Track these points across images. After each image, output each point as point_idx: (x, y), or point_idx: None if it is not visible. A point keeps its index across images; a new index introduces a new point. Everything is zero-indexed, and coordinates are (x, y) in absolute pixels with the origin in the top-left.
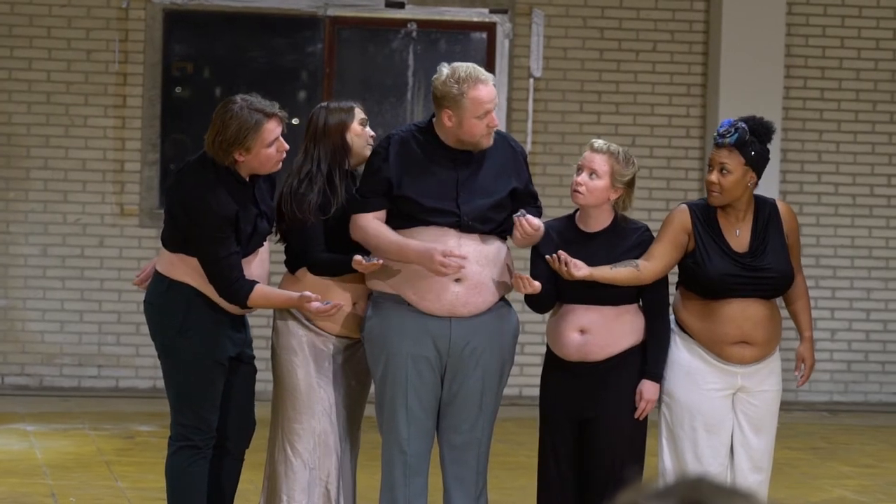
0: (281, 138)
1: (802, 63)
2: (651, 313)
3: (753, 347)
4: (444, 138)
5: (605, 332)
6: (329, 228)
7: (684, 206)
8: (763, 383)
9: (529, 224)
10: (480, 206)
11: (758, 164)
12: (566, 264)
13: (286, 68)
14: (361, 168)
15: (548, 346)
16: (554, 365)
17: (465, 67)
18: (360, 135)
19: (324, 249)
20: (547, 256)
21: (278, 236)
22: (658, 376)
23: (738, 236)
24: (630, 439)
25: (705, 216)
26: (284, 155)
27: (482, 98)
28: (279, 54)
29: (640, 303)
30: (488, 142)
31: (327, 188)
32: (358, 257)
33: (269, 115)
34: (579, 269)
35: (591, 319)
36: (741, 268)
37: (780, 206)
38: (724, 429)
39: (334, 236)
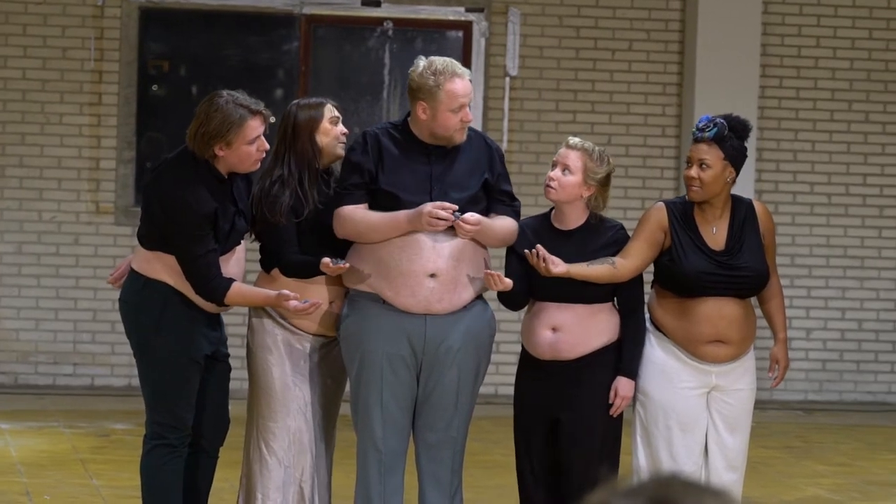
0: (262, 137)
1: (778, 62)
2: (626, 311)
3: (728, 346)
4: (418, 133)
5: (578, 331)
6: (302, 230)
7: (661, 203)
8: (737, 382)
9: (466, 222)
10: (454, 201)
11: (736, 160)
12: (544, 260)
13: (262, 66)
14: (335, 167)
15: (522, 345)
16: (527, 363)
17: (442, 61)
18: (330, 133)
19: (297, 251)
20: (525, 251)
21: (253, 236)
22: (633, 373)
23: (715, 234)
24: (602, 438)
25: (682, 214)
26: (263, 155)
27: (457, 91)
28: (255, 52)
29: (615, 301)
30: (461, 136)
31: (299, 190)
32: (326, 260)
33: (254, 113)
34: (556, 266)
35: (563, 318)
36: (717, 266)
37: (757, 205)
38: (698, 427)
39: (307, 238)
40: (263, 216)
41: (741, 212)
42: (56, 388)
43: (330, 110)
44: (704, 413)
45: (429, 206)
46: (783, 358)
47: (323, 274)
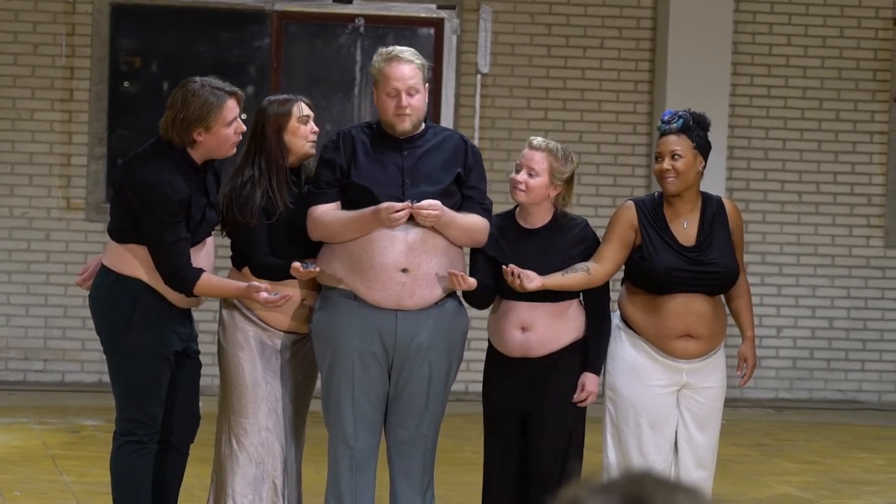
0: (239, 119)
1: (749, 60)
2: (592, 307)
3: (698, 341)
4: (384, 127)
5: (546, 330)
6: (273, 231)
7: (630, 202)
8: (707, 379)
9: (422, 207)
10: (426, 193)
11: (704, 150)
12: (518, 277)
13: (234, 63)
14: (309, 164)
15: (489, 342)
16: (495, 360)
17: (398, 48)
18: (298, 132)
19: (267, 252)
20: (504, 267)
21: (224, 233)
22: (598, 368)
23: (686, 229)
24: (569, 434)
25: (652, 211)
26: (240, 138)
27: (389, 74)
28: (226, 49)
29: (582, 298)
30: (402, 125)
31: (269, 191)
32: (296, 264)
33: (230, 94)
34: (531, 281)
35: (532, 317)
36: (687, 262)
37: (727, 202)
38: (668, 425)
39: (278, 239)
40: (234, 217)
41: (711, 208)
42: (26, 384)
43: (300, 108)
44: (674, 411)
45: (384, 205)
46: (751, 356)
47: (293, 277)
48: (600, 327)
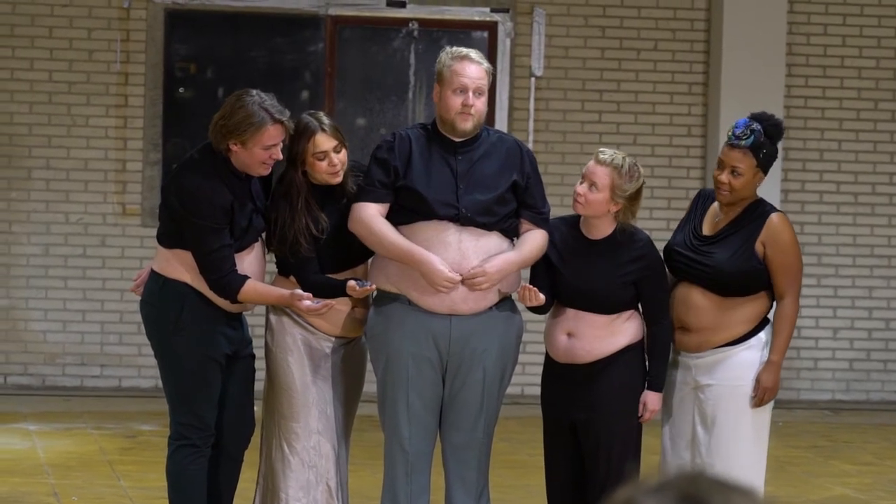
0: (278, 147)
1: (804, 61)
2: (651, 320)
3: (689, 334)
4: (441, 128)
5: (592, 337)
6: (319, 246)
7: (703, 189)
8: (711, 377)
9: (472, 282)
10: (480, 201)
11: (767, 164)
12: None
13: (288, 68)
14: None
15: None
16: (548, 365)
17: (466, 48)
18: (315, 168)
19: (317, 270)
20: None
21: (270, 250)
22: (659, 387)
23: (717, 221)
24: (621, 440)
25: (706, 199)
26: (273, 163)
27: (460, 71)
28: (281, 54)
29: (641, 307)
30: (463, 123)
31: (307, 226)
32: (352, 283)
33: (275, 121)
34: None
35: (578, 324)
36: (687, 248)
37: (775, 217)
38: (683, 422)
39: (325, 253)
40: (285, 257)
41: (752, 214)
42: (83, 389)
43: (314, 145)
44: (690, 408)
45: (437, 270)
46: (764, 380)
47: (342, 295)
48: (661, 342)
